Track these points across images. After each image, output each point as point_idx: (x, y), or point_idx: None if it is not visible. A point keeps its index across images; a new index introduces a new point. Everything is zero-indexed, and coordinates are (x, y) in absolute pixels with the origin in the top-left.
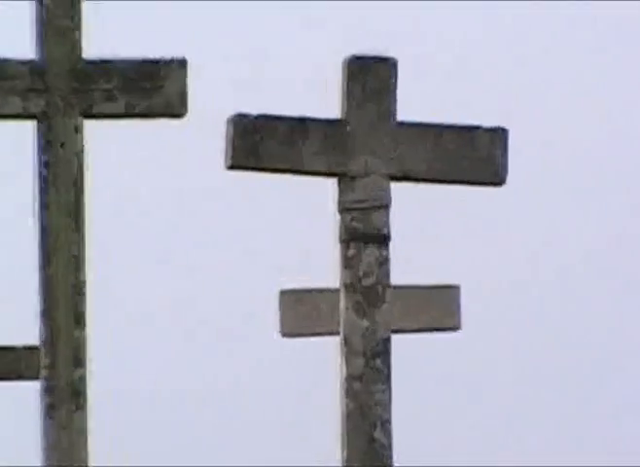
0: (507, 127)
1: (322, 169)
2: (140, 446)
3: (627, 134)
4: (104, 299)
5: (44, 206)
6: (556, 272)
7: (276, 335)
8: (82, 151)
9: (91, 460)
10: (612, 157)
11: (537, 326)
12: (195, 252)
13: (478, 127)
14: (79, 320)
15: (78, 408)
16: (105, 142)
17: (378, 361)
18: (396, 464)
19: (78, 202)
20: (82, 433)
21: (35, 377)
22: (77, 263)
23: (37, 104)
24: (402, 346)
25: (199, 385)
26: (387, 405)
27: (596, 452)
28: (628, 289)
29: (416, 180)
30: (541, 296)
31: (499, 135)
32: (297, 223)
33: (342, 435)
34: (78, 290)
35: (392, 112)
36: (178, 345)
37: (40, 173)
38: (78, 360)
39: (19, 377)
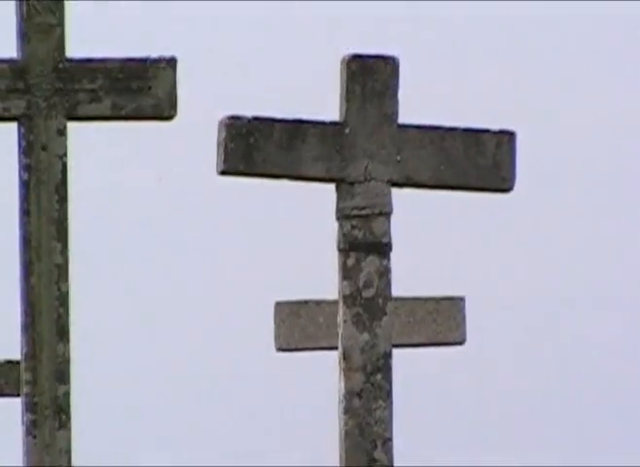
0: (515, 130)
1: (320, 174)
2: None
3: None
4: (89, 311)
5: (25, 213)
6: (563, 285)
7: (272, 349)
8: (65, 154)
9: None
10: (620, 165)
11: (542, 339)
12: (183, 259)
13: (484, 131)
14: (62, 334)
15: (61, 426)
16: (90, 145)
17: (379, 376)
18: None
19: (61, 209)
20: (66, 453)
21: (16, 394)
22: (60, 273)
23: (18, 105)
24: (404, 361)
25: (191, 392)
26: (388, 423)
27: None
28: (634, 301)
29: (419, 186)
30: (546, 309)
31: (507, 139)
32: (293, 230)
33: (341, 454)
34: (61, 301)
35: (394, 114)
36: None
37: (21, 178)
38: (61, 376)
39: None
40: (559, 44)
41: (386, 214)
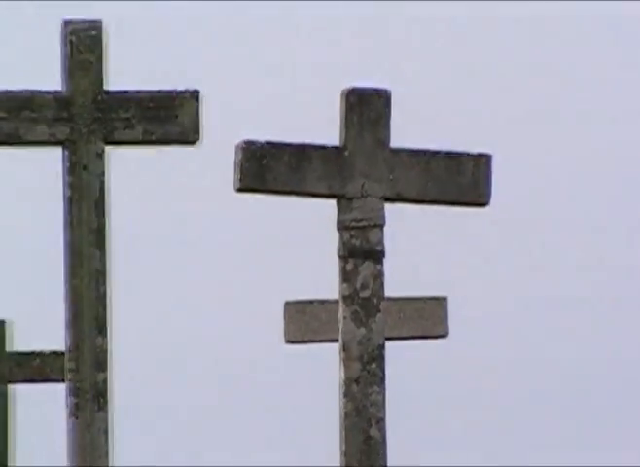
0: (490, 153)
1: (323, 191)
2: (154, 446)
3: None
4: (124, 309)
5: (68, 224)
6: (542, 285)
7: (281, 342)
8: (103, 174)
9: (113, 459)
10: (601, 176)
11: (521, 334)
12: (207, 266)
13: (464, 154)
14: (101, 329)
15: (100, 408)
16: (125, 166)
17: (374, 365)
18: (389, 459)
19: (100, 221)
20: (104, 432)
21: (61, 380)
22: (99, 276)
23: (63, 132)
24: (395, 352)
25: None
26: (382, 405)
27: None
28: (616, 303)
29: (408, 201)
30: (525, 307)
31: (484, 161)
32: (301, 240)
33: (341, 432)
34: (100, 301)
35: (386, 139)
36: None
37: (65, 194)
38: (100, 365)
39: (46, 379)
40: (540, 72)
41: (380, 226)
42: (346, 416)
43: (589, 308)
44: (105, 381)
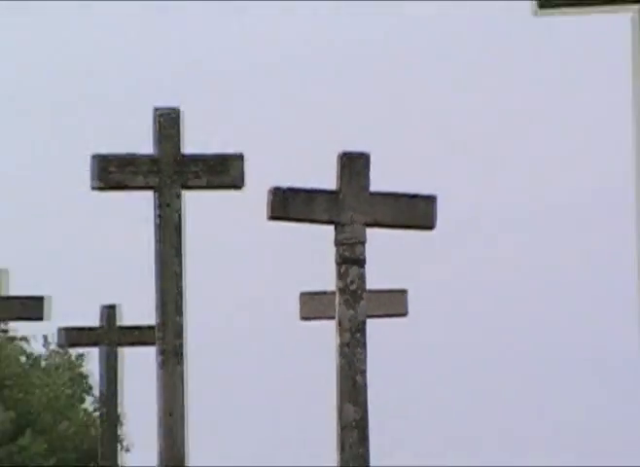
0: (436, 195)
1: (326, 220)
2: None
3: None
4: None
5: (157, 242)
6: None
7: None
8: (180, 209)
9: (187, 397)
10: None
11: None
12: (243, 272)
13: (418, 195)
14: (179, 311)
15: (178, 363)
16: (197, 204)
17: (358, 335)
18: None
19: (178, 240)
20: (180, 379)
21: (153, 344)
22: (177, 278)
23: (154, 180)
24: (372, 325)
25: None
26: (364, 361)
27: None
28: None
29: (382, 227)
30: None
31: (432, 200)
32: (313, 251)
33: (337, 379)
34: (179, 293)
35: (367, 186)
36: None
37: (155, 222)
38: (178, 334)
39: (144, 344)
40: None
41: (362, 243)
42: (341, 369)
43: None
44: (181, 345)
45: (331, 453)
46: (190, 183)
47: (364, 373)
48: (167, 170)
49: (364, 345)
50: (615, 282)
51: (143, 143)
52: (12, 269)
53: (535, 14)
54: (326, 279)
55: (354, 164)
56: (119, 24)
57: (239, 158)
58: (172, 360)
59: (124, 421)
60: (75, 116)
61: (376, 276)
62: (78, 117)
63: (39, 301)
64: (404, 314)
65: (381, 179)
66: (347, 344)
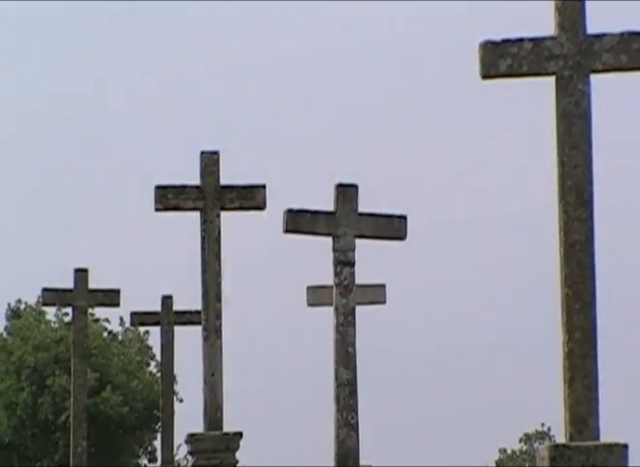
0: (406, 214)
1: (326, 232)
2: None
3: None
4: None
5: (203, 250)
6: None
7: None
8: (219, 225)
9: (222, 368)
10: None
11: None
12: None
13: (394, 215)
14: (219, 299)
15: (217, 338)
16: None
17: (350, 318)
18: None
19: (218, 249)
20: (220, 350)
21: (200, 324)
22: (217, 274)
23: (200, 204)
24: (360, 311)
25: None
26: (353, 336)
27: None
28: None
29: (367, 238)
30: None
31: (404, 218)
32: (315, 258)
33: (334, 350)
34: (218, 285)
35: (356, 208)
36: None
37: (202, 237)
38: (218, 316)
39: (193, 323)
40: None
41: (353, 250)
42: (336, 342)
43: None
44: (220, 325)
45: (329, 404)
46: (227, 206)
47: (354, 345)
48: (210, 197)
49: (354, 325)
50: None
51: (192, 176)
52: (91, 269)
53: (479, 81)
54: (326, 276)
55: (346, 192)
56: (180, 85)
57: (263, 187)
58: (213, 336)
59: (177, 380)
60: (142, 154)
61: (364, 274)
62: (145, 155)
63: (117, 292)
64: (383, 302)
65: (367, 202)
66: (342, 324)
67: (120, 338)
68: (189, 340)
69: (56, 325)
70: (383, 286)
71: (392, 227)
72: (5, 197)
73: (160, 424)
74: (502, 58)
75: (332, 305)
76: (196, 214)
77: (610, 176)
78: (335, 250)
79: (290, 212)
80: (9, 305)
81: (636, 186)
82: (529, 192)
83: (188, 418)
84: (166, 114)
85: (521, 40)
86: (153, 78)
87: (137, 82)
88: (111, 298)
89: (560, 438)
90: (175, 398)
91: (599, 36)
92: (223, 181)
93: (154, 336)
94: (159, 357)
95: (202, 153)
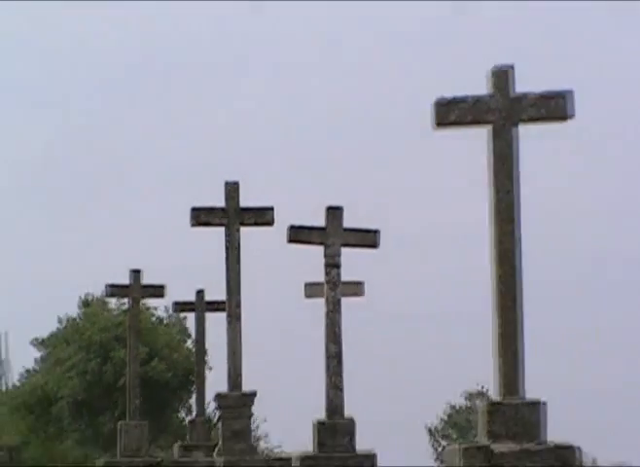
0: (379, 229)
1: (319, 242)
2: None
3: None
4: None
5: (227, 259)
6: None
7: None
8: (239, 239)
9: (241, 345)
10: None
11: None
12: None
13: (370, 229)
14: (239, 291)
15: (238, 321)
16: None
17: (337, 306)
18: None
19: (238, 257)
20: (240, 332)
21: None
22: (237, 275)
23: (223, 221)
24: (347, 302)
25: None
26: (339, 320)
27: None
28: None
29: (352, 246)
30: None
31: (377, 231)
32: (311, 261)
33: (324, 330)
34: (239, 282)
35: (341, 224)
36: None
37: (226, 245)
38: (238, 304)
39: (219, 310)
40: None
41: (339, 255)
42: (326, 325)
43: None
44: (240, 312)
45: (321, 371)
46: (245, 222)
47: (340, 327)
48: (232, 216)
49: (339, 312)
50: None
51: (218, 200)
52: (144, 269)
53: (433, 129)
54: (319, 276)
55: (334, 213)
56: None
57: (272, 209)
58: (234, 320)
59: (208, 353)
60: (181, 183)
61: (347, 274)
62: (182, 183)
63: (162, 287)
64: (362, 295)
65: (350, 219)
66: (331, 311)
67: (165, 321)
68: (216, 323)
69: (116, 312)
70: (362, 283)
71: (369, 238)
72: (83, 215)
73: (194, 386)
74: (451, 111)
75: (323, 297)
76: (222, 229)
77: (533, 199)
78: (325, 256)
79: (292, 228)
80: (80, 297)
81: (550, 205)
82: (470, 211)
83: (215, 382)
84: (198, 153)
85: (466, 97)
86: (189, 126)
87: (181, 131)
88: (158, 291)
89: (495, 397)
90: (206, 367)
91: (524, 94)
92: (242, 204)
93: (190, 320)
94: (194, 336)
95: (226, 183)
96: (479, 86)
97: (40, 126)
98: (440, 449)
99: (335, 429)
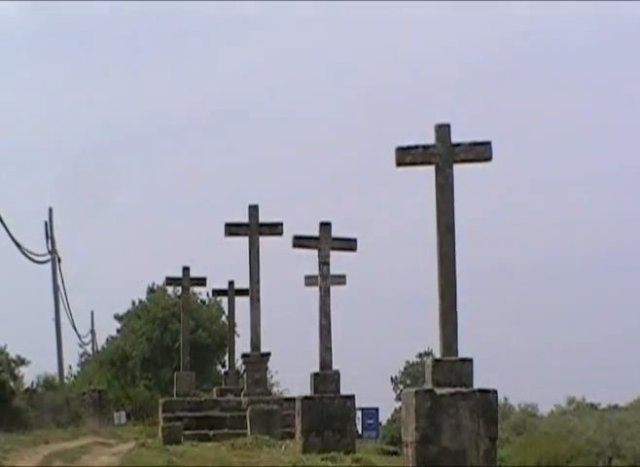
0: (356, 238)
1: (314, 246)
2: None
3: None
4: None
5: (251, 266)
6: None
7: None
8: (258, 247)
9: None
10: None
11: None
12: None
13: (350, 238)
14: (259, 281)
15: (258, 303)
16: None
17: (327, 292)
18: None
19: (258, 262)
20: (259, 311)
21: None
22: (257, 272)
23: (247, 233)
24: (334, 289)
25: None
26: (329, 301)
27: None
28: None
29: (340, 250)
30: None
31: (354, 240)
32: (309, 260)
33: (319, 309)
34: (258, 277)
35: (330, 234)
36: None
37: (249, 250)
38: (258, 291)
39: (244, 295)
40: None
41: (328, 256)
42: (320, 306)
43: None
44: (259, 297)
45: (316, 338)
46: (263, 234)
47: (329, 306)
48: (253, 229)
49: (329, 296)
50: None
51: (242, 216)
52: (192, 266)
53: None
54: (314, 270)
55: (325, 227)
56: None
57: (281, 224)
58: (255, 302)
59: (237, 325)
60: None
61: (334, 269)
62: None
63: (204, 279)
64: (345, 284)
65: (337, 231)
66: (323, 295)
67: (206, 303)
68: (243, 304)
69: (173, 296)
70: (344, 276)
71: (349, 245)
72: (154, 227)
73: (227, 348)
74: (408, 155)
75: (317, 286)
76: (246, 239)
77: (462, 216)
78: (319, 256)
79: (296, 237)
80: (147, 285)
81: (476, 221)
82: (423, 224)
83: (242, 345)
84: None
85: (417, 146)
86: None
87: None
88: (201, 282)
89: (438, 356)
90: (235, 335)
91: (458, 144)
92: (261, 220)
93: (224, 302)
94: (227, 313)
95: (250, 206)
96: (427, 136)
97: None
98: (399, 392)
99: (325, 378)
